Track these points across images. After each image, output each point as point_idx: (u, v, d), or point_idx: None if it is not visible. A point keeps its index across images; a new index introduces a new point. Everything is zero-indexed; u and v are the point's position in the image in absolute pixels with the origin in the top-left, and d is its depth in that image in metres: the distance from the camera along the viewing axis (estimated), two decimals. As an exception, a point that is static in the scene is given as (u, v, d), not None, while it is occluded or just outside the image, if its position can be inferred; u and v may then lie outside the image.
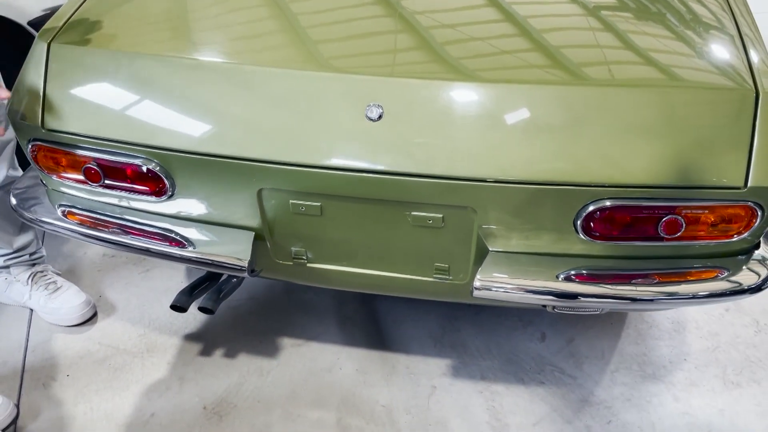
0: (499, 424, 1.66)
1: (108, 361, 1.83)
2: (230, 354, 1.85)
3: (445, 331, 1.93)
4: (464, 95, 1.26)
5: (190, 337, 1.90)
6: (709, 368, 1.83)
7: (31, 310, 1.97)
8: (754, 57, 1.31)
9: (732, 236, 1.29)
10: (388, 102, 1.25)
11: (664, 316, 1.99)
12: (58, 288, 1.93)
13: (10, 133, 1.74)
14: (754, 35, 1.40)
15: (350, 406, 1.71)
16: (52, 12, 1.49)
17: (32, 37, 1.43)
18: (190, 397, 1.73)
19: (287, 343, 1.89)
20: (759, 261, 1.34)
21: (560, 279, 1.31)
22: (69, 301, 1.92)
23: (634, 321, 1.98)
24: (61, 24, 1.43)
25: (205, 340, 1.90)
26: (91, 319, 1.96)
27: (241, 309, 2.00)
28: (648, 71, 1.31)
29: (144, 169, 1.36)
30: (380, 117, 1.25)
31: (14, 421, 1.65)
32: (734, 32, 1.40)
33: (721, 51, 1.36)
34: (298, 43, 1.40)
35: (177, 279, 2.10)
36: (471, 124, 1.25)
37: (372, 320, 1.97)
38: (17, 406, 1.69)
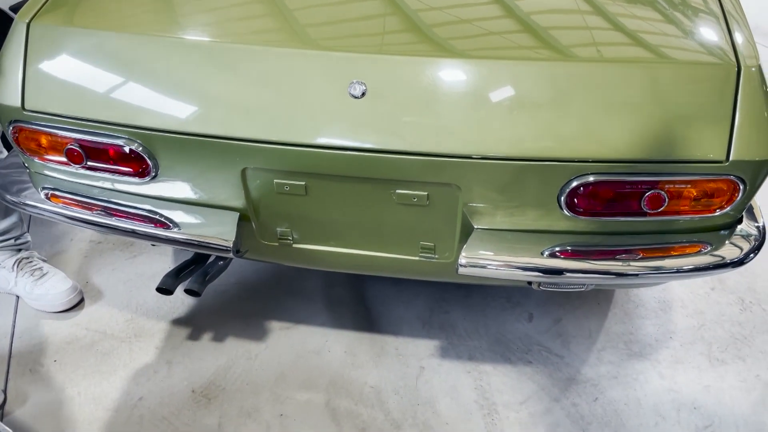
0: (487, 403, 1.68)
1: (95, 346, 1.83)
2: (218, 338, 1.85)
3: (434, 312, 1.94)
4: (448, 72, 1.26)
5: (178, 322, 1.90)
6: (695, 346, 1.85)
7: (17, 296, 1.96)
8: (737, 34, 1.31)
9: (714, 211, 1.30)
10: (371, 79, 1.25)
11: (651, 295, 2.01)
12: (44, 274, 1.92)
13: None
14: (738, 14, 1.40)
15: (339, 387, 1.72)
16: (32, -5, 1.47)
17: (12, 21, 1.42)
18: (179, 380, 1.73)
19: (275, 326, 1.89)
20: (742, 236, 1.35)
21: (545, 255, 1.31)
22: (55, 287, 1.91)
23: (621, 301, 1.99)
24: (41, 3, 1.41)
25: (192, 325, 1.89)
26: (78, 305, 1.95)
27: (228, 293, 1.99)
28: (632, 49, 1.31)
29: (126, 149, 1.35)
30: (363, 94, 1.24)
31: (2, 407, 1.64)
32: (718, 11, 1.40)
33: (704, 29, 1.36)
34: (282, 23, 1.39)
35: (163, 264, 2.10)
36: (454, 101, 1.24)
37: (360, 302, 1.97)
38: (4, 391, 1.68)
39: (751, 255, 1.33)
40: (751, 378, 1.76)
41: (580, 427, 1.63)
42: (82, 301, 1.96)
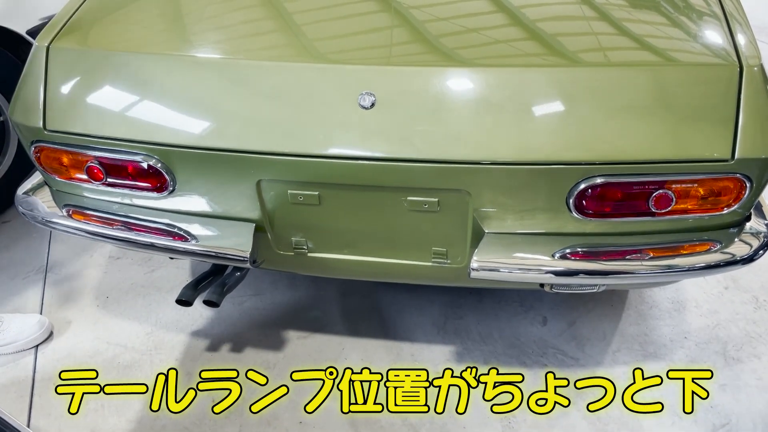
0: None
1: (117, 359, 1.86)
2: (236, 348, 1.88)
3: (448, 318, 1.95)
4: (455, 80, 1.29)
5: (197, 334, 1.93)
6: (710, 345, 1.85)
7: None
8: (739, 35, 1.33)
9: (722, 209, 1.31)
10: (380, 90, 1.28)
11: (664, 296, 2.01)
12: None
13: None
14: (739, 15, 1.42)
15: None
16: (49, 20, 1.53)
17: (31, 46, 1.47)
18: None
19: (292, 335, 1.92)
20: (751, 233, 1.37)
21: (556, 257, 1.33)
22: (22, 331, 1.88)
23: (635, 302, 2.00)
24: (59, 27, 1.46)
25: (211, 336, 1.92)
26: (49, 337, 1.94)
27: (246, 304, 2.02)
28: (635, 53, 1.34)
29: (145, 165, 1.39)
30: (373, 105, 1.28)
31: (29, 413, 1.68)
32: (720, 13, 1.43)
33: (707, 31, 1.39)
34: (292, 39, 1.43)
35: (181, 278, 2.13)
36: (462, 109, 1.27)
37: (375, 310, 1.99)
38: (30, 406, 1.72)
39: (761, 252, 1.34)
40: (767, 376, 1.76)
41: (597, 429, 1.63)
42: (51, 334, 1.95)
